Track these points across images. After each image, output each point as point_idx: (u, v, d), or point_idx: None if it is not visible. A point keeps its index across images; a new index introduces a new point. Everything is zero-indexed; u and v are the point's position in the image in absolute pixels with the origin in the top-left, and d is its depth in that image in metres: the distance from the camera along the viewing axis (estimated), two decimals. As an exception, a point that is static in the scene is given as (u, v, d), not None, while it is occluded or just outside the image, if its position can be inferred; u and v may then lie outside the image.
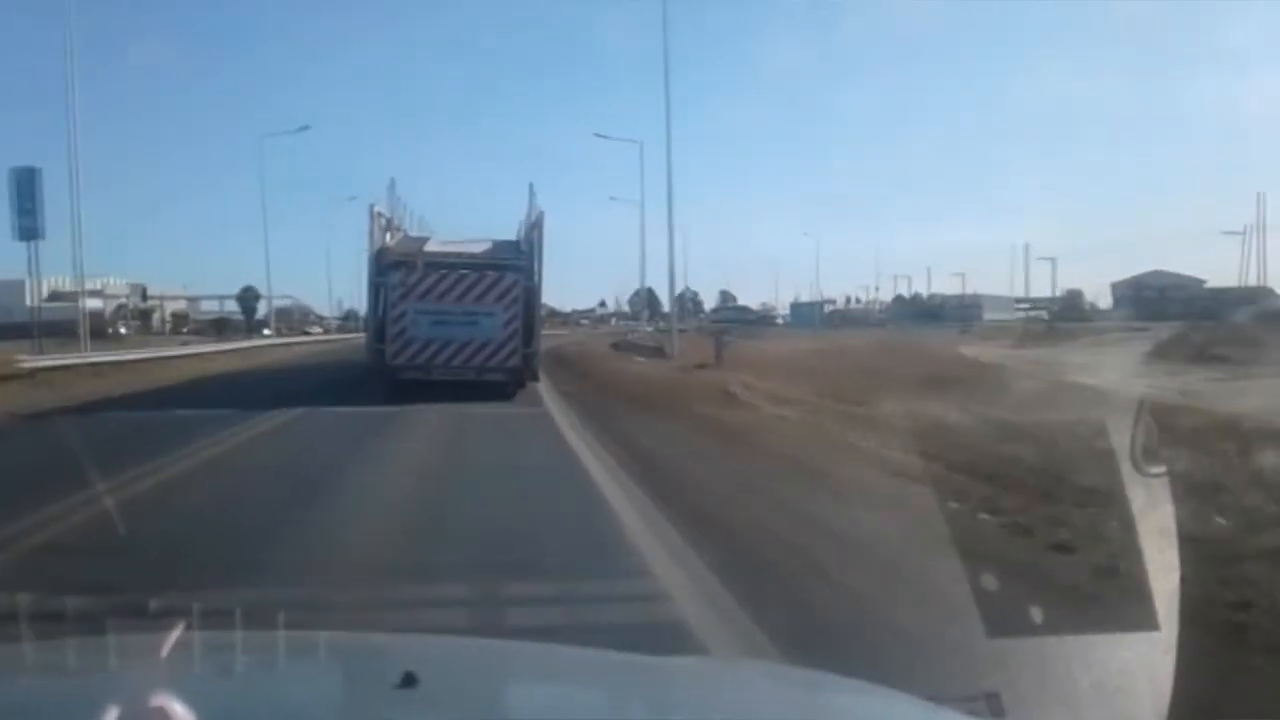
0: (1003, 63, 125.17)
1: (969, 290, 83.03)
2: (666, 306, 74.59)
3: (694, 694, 1.86)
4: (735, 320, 72.88)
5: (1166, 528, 3.24)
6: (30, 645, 1.97)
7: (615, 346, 40.91)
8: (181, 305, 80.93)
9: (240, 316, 75.59)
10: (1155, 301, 62.51)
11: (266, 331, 66.99)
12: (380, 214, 20.68)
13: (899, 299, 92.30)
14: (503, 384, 18.27)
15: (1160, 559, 3.15)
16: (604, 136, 42.78)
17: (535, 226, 19.99)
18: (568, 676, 1.93)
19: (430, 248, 20.76)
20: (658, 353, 32.39)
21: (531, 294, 19.11)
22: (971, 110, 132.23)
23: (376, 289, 19.65)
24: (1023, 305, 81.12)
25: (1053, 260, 77.12)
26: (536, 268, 19.38)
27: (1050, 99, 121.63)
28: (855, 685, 1.97)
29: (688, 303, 76.49)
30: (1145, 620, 2.96)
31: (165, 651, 1.61)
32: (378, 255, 19.78)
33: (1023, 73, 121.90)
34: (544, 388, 19.25)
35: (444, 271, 18.79)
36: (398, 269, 19.01)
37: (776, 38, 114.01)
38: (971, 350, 29.74)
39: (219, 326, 70.71)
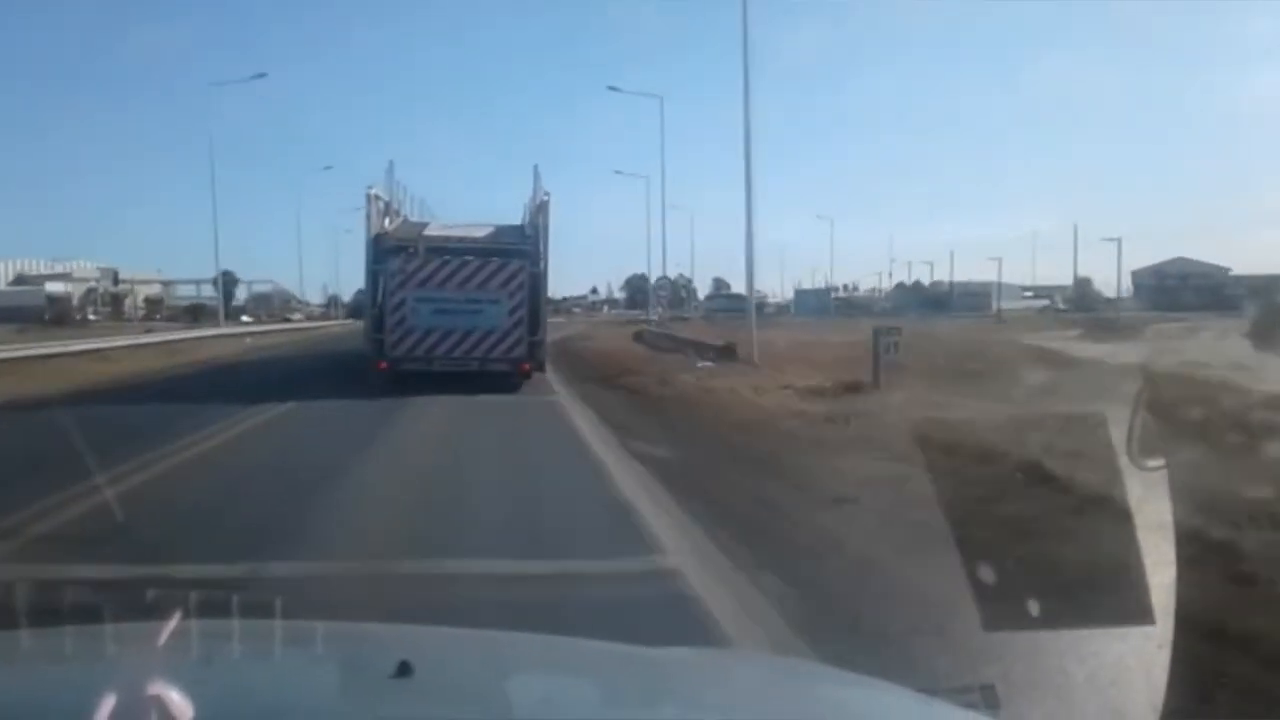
0: (1022, 51, 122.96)
1: (978, 278, 79.78)
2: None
3: (688, 685, 1.84)
4: (731, 309, 70.69)
5: None
6: (27, 633, 1.88)
7: (641, 341, 31.86)
8: (156, 290, 78.28)
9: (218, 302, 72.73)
10: (1174, 290, 61.16)
11: (246, 318, 64.60)
12: (378, 197, 19.80)
13: (900, 286, 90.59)
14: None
15: None
16: (617, 89, 42.56)
17: (541, 210, 19.18)
18: (562, 667, 1.91)
19: (431, 232, 20.02)
20: (727, 354, 22.60)
21: (537, 280, 18.32)
22: (981, 99, 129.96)
23: (375, 276, 18.98)
24: (1028, 294, 79.66)
25: (1118, 240, 68.80)
26: (542, 253, 18.59)
27: (1068, 85, 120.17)
28: (849, 677, 2.03)
29: (682, 290, 74.49)
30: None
31: (162, 640, 1.61)
32: (376, 241, 19.01)
33: (1040, 60, 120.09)
34: (622, 469, 9.54)
35: (446, 257, 18.05)
36: (397, 255, 18.21)
37: (780, 23, 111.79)
38: (1051, 344, 26.27)
39: (194, 313, 67.93)
